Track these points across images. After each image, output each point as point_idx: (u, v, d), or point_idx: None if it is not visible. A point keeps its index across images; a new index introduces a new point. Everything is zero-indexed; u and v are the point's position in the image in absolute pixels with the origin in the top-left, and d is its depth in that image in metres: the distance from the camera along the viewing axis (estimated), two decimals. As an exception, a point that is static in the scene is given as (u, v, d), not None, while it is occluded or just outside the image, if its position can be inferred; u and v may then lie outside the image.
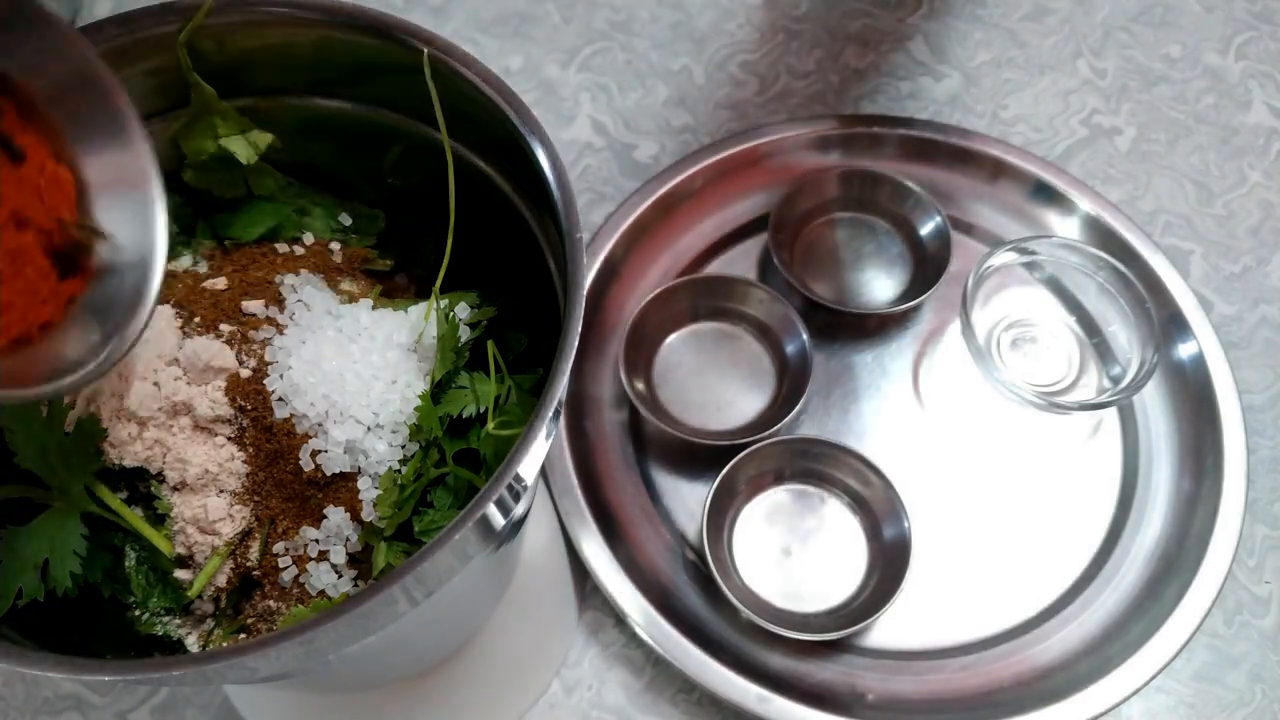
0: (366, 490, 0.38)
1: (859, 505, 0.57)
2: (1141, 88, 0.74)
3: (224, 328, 0.40)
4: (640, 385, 0.60)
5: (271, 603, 0.39)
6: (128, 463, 0.38)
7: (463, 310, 0.42)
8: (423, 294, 0.46)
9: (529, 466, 0.33)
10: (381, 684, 0.49)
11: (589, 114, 0.72)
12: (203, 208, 0.45)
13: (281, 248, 0.44)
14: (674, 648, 0.53)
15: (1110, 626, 0.55)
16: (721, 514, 0.56)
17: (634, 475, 0.59)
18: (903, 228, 0.66)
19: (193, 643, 0.40)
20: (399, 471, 0.39)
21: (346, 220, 0.46)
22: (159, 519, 0.39)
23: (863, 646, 0.55)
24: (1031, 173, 0.67)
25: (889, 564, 0.54)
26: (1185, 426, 0.60)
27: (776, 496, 0.58)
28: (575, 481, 0.57)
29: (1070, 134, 0.72)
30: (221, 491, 0.39)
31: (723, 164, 0.67)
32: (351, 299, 0.43)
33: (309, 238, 0.45)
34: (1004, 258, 0.60)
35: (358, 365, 0.39)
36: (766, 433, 0.57)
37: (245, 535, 0.39)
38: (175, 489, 0.39)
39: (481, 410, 0.40)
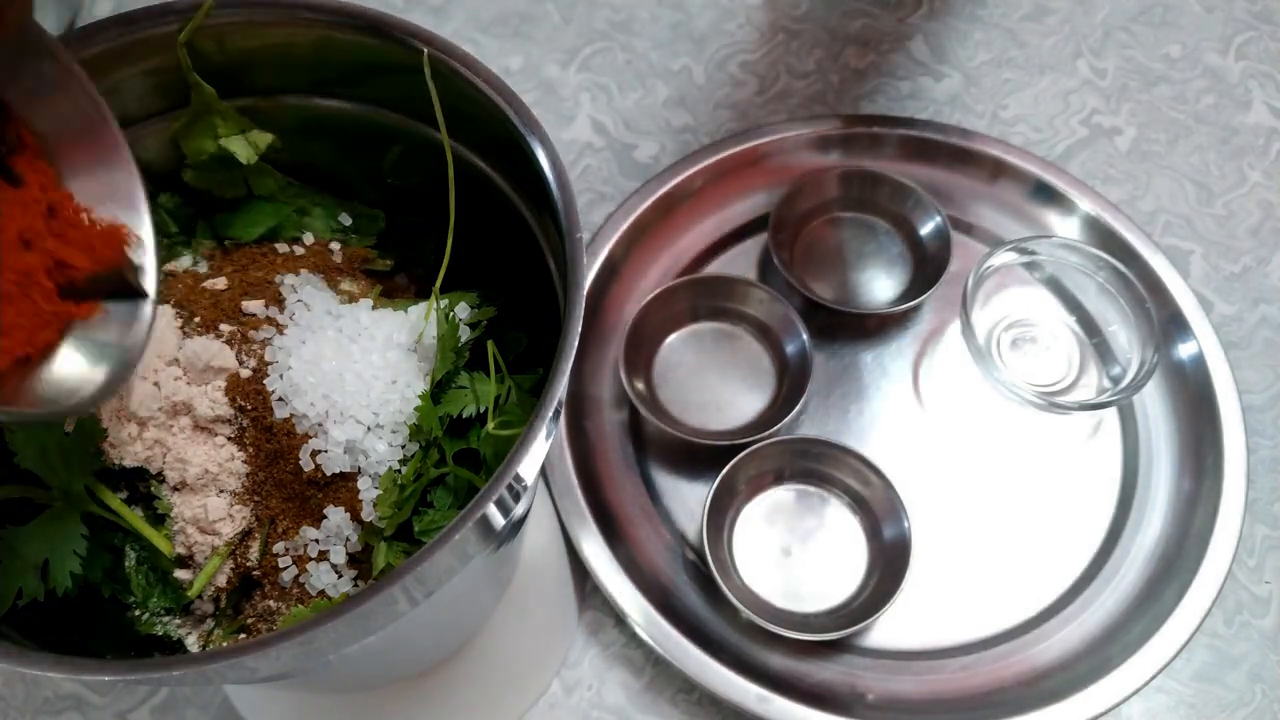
0: (366, 490, 0.38)
1: (859, 505, 0.57)
2: (1141, 88, 0.74)
3: (224, 328, 0.40)
4: (640, 385, 0.60)
5: (271, 603, 0.39)
6: (128, 463, 0.38)
7: (463, 310, 0.42)
8: (423, 294, 0.46)
9: (529, 466, 0.33)
10: (381, 684, 0.49)
11: (589, 114, 0.72)
12: (203, 208, 0.45)
13: (281, 248, 0.44)
14: (674, 648, 0.53)
15: (1110, 626, 0.55)
16: (721, 514, 0.56)
17: (634, 475, 0.59)
18: (903, 228, 0.66)
19: (193, 643, 0.40)
20: (399, 471, 0.39)
21: (346, 220, 0.46)
22: (159, 519, 0.39)
23: (863, 646, 0.55)
24: (1031, 173, 0.67)
25: (889, 564, 0.54)
26: (1185, 426, 0.60)
27: (776, 496, 0.58)
28: (575, 481, 0.57)
29: (1070, 134, 0.72)
30: (221, 491, 0.39)
31: (723, 164, 0.67)
32: (351, 299, 0.43)
33: (309, 238, 0.45)
34: (1004, 258, 0.60)
35: (358, 365, 0.39)
36: (766, 433, 0.57)
37: (245, 535, 0.39)
38: (175, 489, 0.39)
39: (481, 410, 0.40)
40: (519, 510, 0.37)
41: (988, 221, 0.67)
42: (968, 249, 0.65)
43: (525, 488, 0.35)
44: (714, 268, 0.66)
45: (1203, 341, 0.61)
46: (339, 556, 0.39)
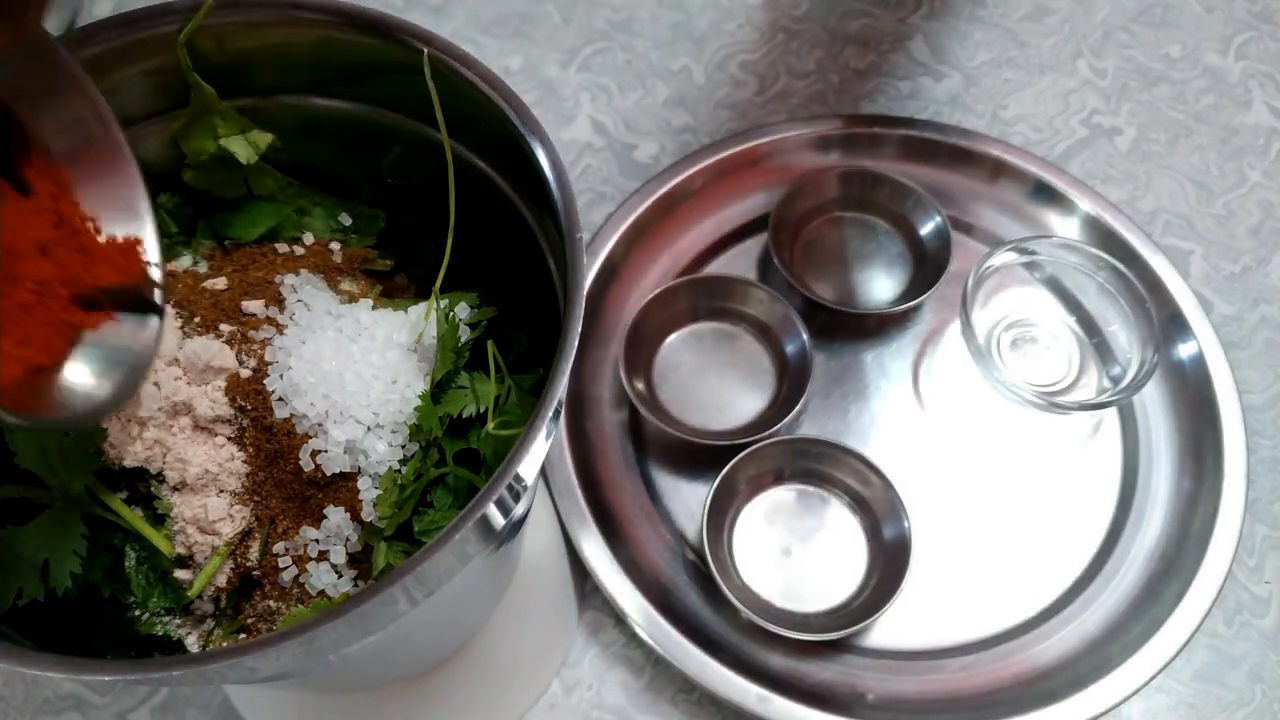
0: (366, 490, 0.38)
1: (859, 505, 0.57)
2: (1141, 88, 0.74)
3: (224, 328, 0.40)
4: (640, 385, 0.60)
5: (271, 603, 0.39)
6: (128, 463, 0.38)
7: (463, 310, 0.42)
8: (423, 294, 0.46)
9: (529, 466, 0.33)
10: (381, 684, 0.49)
11: (589, 114, 0.72)
12: (203, 208, 0.45)
13: (281, 248, 0.44)
14: (674, 648, 0.53)
15: (1110, 626, 0.55)
16: (721, 514, 0.56)
17: (634, 475, 0.59)
18: (903, 228, 0.66)
19: (193, 643, 0.40)
20: (399, 471, 0.39)
21: (346, 220, 0.46)
22: (159, 519, 0.39)
23: (863, 646, 0.55)
24: (1031, 173, 0.67)
25: (889, 564, 0.54)
26: (1185, 426, 0.60)
27: (776, 496, 0.58)
28: (575, 481, 0.57)
29: (1070, 134, 0.72)
30: (221, 491, 0.39)
31: (723, 164, 0.67)
32: (351, 299, 0.43)
33: (309, 238, 0.45)
34: (1004, 258, 0.60)
35: (358, 365, 0.39)
36: (766, 433, 0.57)
37: (245, 535, 0.39)
38: (175, 489, 0.39)
39: (481, 410, 0.40)
40: (519, 510, 0.37)
41: (988, 221, 0.67)
42: (968, 249, 0.65)
43: (525, 488, 0.35)
44: (714, 268, 0.66)
45: (1203, 341, 0.61)
46: (339, 556, 0.39)
